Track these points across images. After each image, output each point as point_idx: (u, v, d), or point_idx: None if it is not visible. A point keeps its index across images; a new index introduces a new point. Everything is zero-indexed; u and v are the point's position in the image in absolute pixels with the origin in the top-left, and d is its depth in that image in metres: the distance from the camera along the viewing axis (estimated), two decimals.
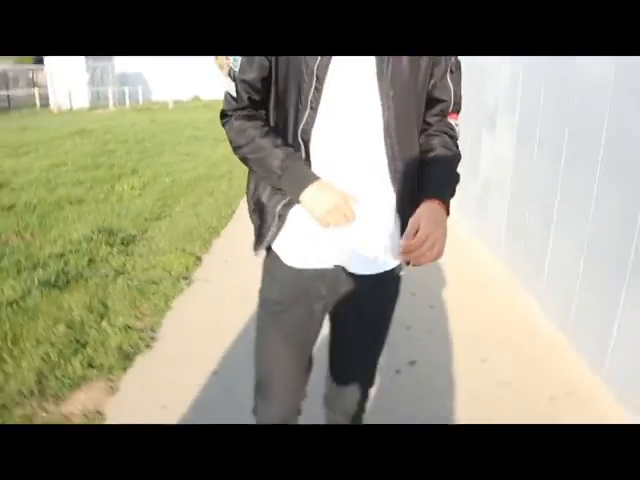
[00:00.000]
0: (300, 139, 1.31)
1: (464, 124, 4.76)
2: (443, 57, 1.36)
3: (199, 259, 4.34)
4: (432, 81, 1.37)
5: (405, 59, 1.28)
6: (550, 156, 3.32)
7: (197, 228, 5.10)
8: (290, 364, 1.50)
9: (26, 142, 11.01)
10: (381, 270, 1.42)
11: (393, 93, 1.28)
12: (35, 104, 24.51)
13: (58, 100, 24.04)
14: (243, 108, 1.38)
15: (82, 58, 24.71)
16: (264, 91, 1.36)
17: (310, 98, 1.28)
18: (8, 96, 24.61)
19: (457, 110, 1.43)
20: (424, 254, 1.24)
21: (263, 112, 1.39)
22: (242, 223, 5.15)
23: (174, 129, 13.72)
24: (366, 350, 1.56)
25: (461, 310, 3.42)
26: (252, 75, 1.34)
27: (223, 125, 1.42)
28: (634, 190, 2.39)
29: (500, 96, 4.28)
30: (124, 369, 2.77)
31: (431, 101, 1.39)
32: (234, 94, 1.37)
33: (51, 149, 10.20)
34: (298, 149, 1.32)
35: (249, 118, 1.37)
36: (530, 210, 3.63)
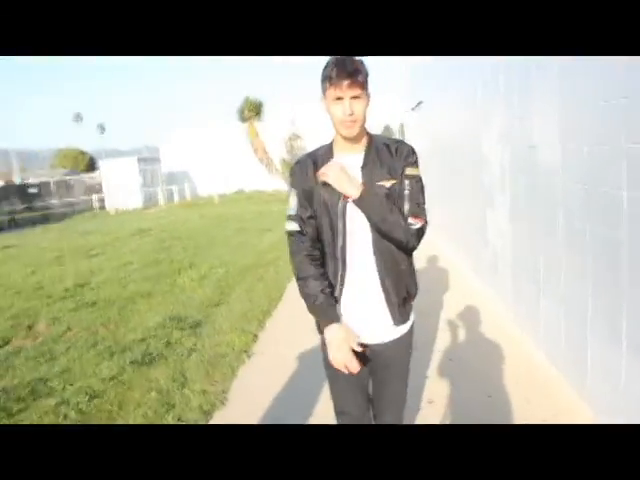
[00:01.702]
0: (339, 256, 2.01)
1: (472, 201, 5.69)
2: (404, 183, 1.97)
3: (256, 336, 5.19)
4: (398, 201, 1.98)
5: (380, 195, 1.93)
6: (531, 226, 4.13)
7: (252, 310, 5.98)
8: (351, 394, 2.18)
9: (93, 245, 12.34)
10: (390, 339, 2.10)
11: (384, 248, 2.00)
12: (93, 207, 26.61)
13: (114, 202, 26.02)
14: (305, 242, 2.03)
15: (135, 163, 26.92)
16: (314, 225, 2.04)
17: (340, 229, 1.98)
18: (70, 202, 26.86)
19: (415, 215, 1.96)
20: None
21: (316, 247, 2.04)
22: (289, 305, 6.04)
23: (222, 223, 14.94)
24: (397, 387, 2.21)
25: (478, 359, 4.14)
26: (306, 214, 2.03)
27: (291, 257, 2.07)
28: (584, 254, 3.17)
29: (493, 182, 5.15)
30: (206, 421, 3.58)
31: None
32: (297, 228, 2.04)
33: (116, 250, 11.45)
34: (339, 261, 2.01)
35: (309, 257, 2.02)
36: (526, 272, 4.40)
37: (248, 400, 3.83)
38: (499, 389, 3.66)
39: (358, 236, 1.99)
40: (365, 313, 2.08)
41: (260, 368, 4.44)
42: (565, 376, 3.62)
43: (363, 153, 2.02)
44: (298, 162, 2.12)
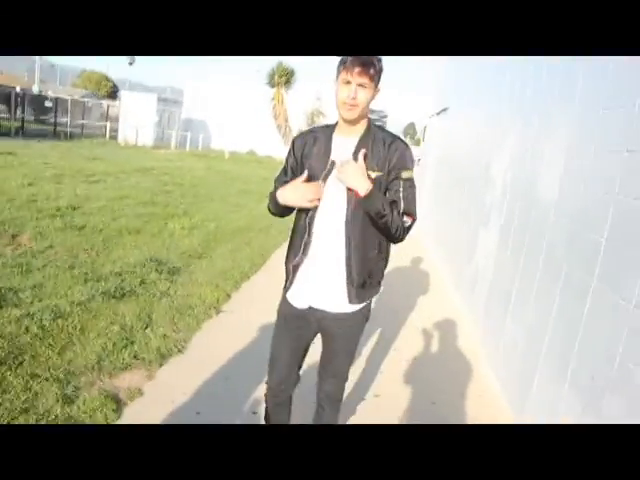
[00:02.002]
0: (307, 222, 2.20)
1: (466, 222, 5.76)
2: (399, 184, 2.14)
3: (229, 295, 5.26)
4: (389, 191, 2.15)
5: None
6: (514, 254, 4.19)
7: (231, 270, 6.05)
8: (287, 353, 2.40)
9: (96, 171, 12.35)
10: (341, 310, 2.26)
11: (355, 200, 2.11)
12: (105, 135, 26.52)
13: (126, 135, 25.94)
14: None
15: (154, 101, 26.78)
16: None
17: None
18: (82, 124, 26.75)
19: (408, 214, 2.14)
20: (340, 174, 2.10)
21: None
22: (270, 273, 6.11)
23: (226, 180, 14.96)
24: (340, 360, 2.42)
25: (436, 367, 4.23)
26: (284, 179, 2.30)
27: (268, 205, 2.37)
28: (555, 288, 3.24)
29: (494, 202, 5.20)
30: (160, 364, 3.67)
31: (393, 202, 2.15)
32: (273, 189, 2.31)
33: (117, 181, 11.48)
34: (305, 228, 2.20)
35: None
36: (499, 293, 4.48)
37: (206, 354, 3.93)
38: (444, 398, 3.75)
39: (331, 212, 2.15)
40: (322, 284, 2.24)
41: (225, 326, 4.52)
42: (508, 400, 3.72)
43: (364, 136, 2.17)
44: (301, 133, 2.35)
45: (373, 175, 2.10)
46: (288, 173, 2.30)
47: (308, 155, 2.23)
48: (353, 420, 3.27)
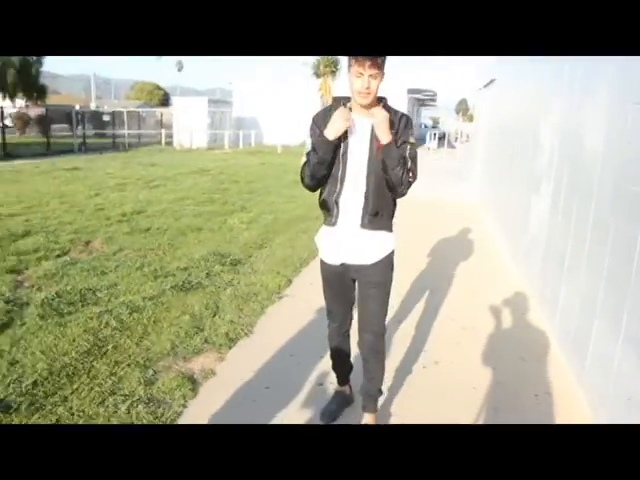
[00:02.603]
0: (339, 178, 2.62)
1: (519, 191, 5.76)
2: (406, 144, 2.57)
3: (290, 281, 5.49)
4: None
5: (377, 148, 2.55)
6: (565, 217, 4.21)
7: (291, 257, 6.28)
8: (337, 303, 2.94)
9: (156, 177, 12.91)
10: (375, 260, 2.70)
11: (374, 172, 2.58)
12: (161, 142, 27.42)
13: (181, 139, 26.72)
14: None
15: (205, 103, 27.43)
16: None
17: (341, 157, 2.60)
18: (139, 134, 27.75)
19: (412, 171, 2.58)
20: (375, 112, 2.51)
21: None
22: None
23: (280, 173, 15.25)
24: (374, 309, 2.80)
25: (492, 332, 4.31)
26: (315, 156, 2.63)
27: (300, 174, 2.72)
28: (608, 244, 3.27)
29: (544, 168, 5.18)
30: (229, 347, 3.92)
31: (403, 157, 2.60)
32: (305, 159, 2.67)
33: (176, 184, 11.96)
34: (336, 183, 2.62)
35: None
36: (554, 258, 4.49)
37: (271, 335, 4.15)
38: (502, 362, 3.83)
39: (352, 162, 2.58)
40: (350, 237, 2.66)
41: (288, 309, 4.74)
42: (568, 359, 3.77)
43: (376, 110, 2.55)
44: (321, 113, 2.69)
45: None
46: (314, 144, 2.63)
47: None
48: (415, 386, 3.42)
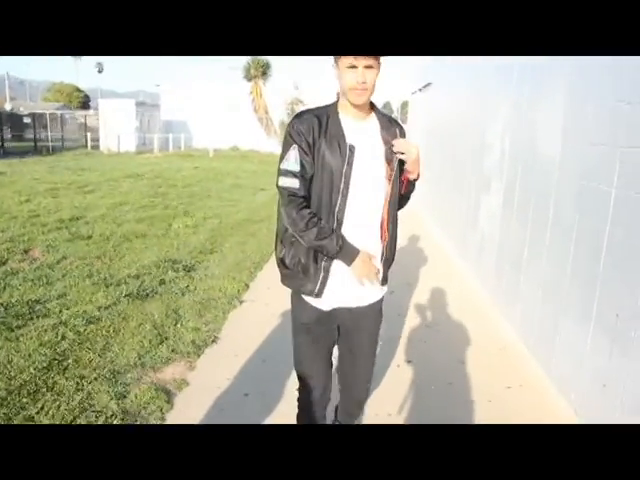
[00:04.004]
0: (336, 217, 2.01)
1: (465, 191, 5.91)
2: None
3: (247, 285, 5.40)
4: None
5: (395, 161, 2.06)
6: (521, 215, 4.36)
7: (244, 261, 6.18)
8: (320, 365, 2.24)
9: (88, 182, 12.39)
10: (371, 302, 2.20)
11: (393, 180, 2.07)
12: (86, 145, 26.39)
13: (108, 143, 25.81)
14: (302, 198, 2.00)
15: (133, 105, 26.66)
16: (309, 185, 2.03)
17: (341, 190, 1.99)
18: (62, 137, 26.59)
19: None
20: (405, 147, 2.03)
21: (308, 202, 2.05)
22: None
23: (217, 176, 15.03)
24: (368, 358, 2.30)
25: (455, 329, 4.40)
26: (308, 174, 2.00)
27: (286, 209, 2.02)
28: (567, 240, 3.41)
29: (494, 166, 5.35)
30: (198, 355, 3.80)
31: None
32: (297, 186, 1.99)
33: (111, 189, 11.53)
34: (332, 224, 2.01)
35: (307, 210, 2.00)
36: (509, 256, 4.64)
37: (238, 340, 4.07)
38: (470, 357, 3.92)
39: (359, 198, 2.02)
40: (354, 279, 2.13)
41: (250, 314, 4.66)
42: (533, 353, 3.90)
43: (374, 118, 2.11)
44: (299, 116, 2.06)
45: (400, 156, 2.09)
46: (309, 164, 2.00)
47: (318, 140, 1.99)
48: (384, 387, 3.43)
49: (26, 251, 6.29)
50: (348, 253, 2.03)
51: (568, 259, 3.41)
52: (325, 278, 2.08)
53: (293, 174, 1.99)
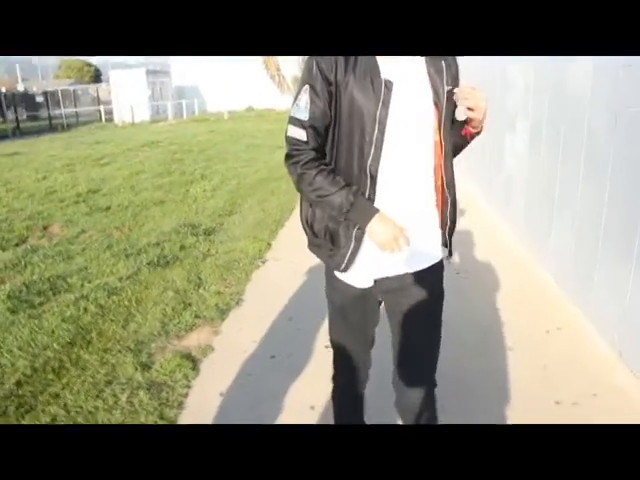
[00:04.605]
0: (368, 172, 1.59)
1: (489, 129, 5.63)
2: None
3: (269, 244, 5.27)
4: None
5: (446, 100, 1.60)
6: (550, 152, 4.09)
7: (264, 220, 6.05)
8: (355, 348, 1.89)
9: (104, 154, 12.29)
10: (425, 266, 1.71)
11: (444, 126, 1.62)
12: (100, 119, 26.28)
13: (122, 114, 25.67)
14: (310, 151, 1.62)
15: (143, 74, 26.35)
16: (326, 136, 1.64)
17: (375, 139, 1.55)
18: (76, 113, 26.51)
19: None
20: (474, 99, 1.59)
21: (324, 155, 1.66)
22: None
23: (232, 138, 14.81)
24: (424, 342, 1.80)
25: (487, 275, 4.21)
26: (320, 122, 1.60)
27: (290, 165, 1.66)
28: (606, 179, 3.16)
29: (517, 104, 5.04)
30: (222, 319, 3.69)
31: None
32: (304, 138, 1.61)
33: (127, 159, 11.42)
34: (365, 181, 1.59)
35: (315, 162, 1.62)
36: (539, 196, 4.39)
37: (263, 301, 3.95)
38: (505, 301, 3.75)
39: (400, 149, 1.60)
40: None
41: (274, 273, 4.53)
42: (570, 294, 3.70)
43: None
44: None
45: (448, 89, 1.63)
46: (322, 109, 1.59)
47: (344, 76, 1.56)
48: None
49: (45, 227, 6.23)
50: (361, 211, 1.60)
51: (605, 192, 3.17)
52: (356, 249, 1.66)
53: (301, 123, 1.61)
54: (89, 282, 4.39)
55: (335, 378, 2.01)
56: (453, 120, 1.72)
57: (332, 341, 1.94)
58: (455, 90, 1.59)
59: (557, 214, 4.00)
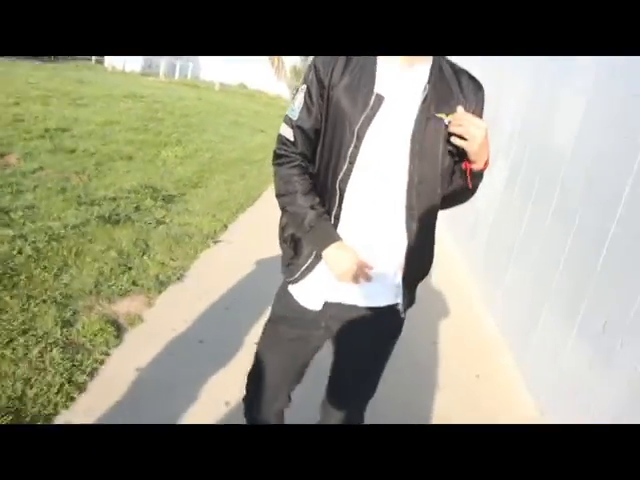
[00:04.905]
0: (337, 187, 1.49)
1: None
2: None
3: (225, 226, 5.16)
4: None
5: (436, 130, 1.45)
6: (522, 199, 4.11)
7: (227, 201, 5.92)
8: (277, 370, 1.72)
9: (84, 95, 11.90)
10: (382, 304, 1.60)
11: (421, 156, 1.45)
12: (90, 58, 25.53)
13: (113, 60, 24.98)
14: (295, 155, 1.55)
15: None
16: (315, 141, 1.54)
17: (350, 153, 1.45)
18: None
19: None
20: (470, 127, 1.41)
21: (309, 164, 1.57)
22: (264, 206, 5.98)
23: (218, 111, 14.55)
24: (360, 381, 1.71)
25: (434, 308, 4.21)
26: (308, 124, 1.52)
27: (274, 165, 1.59)
28: (569, 229, 3.17)
29: (502, 143, 5.06)
30: (159, 292, 3.58)
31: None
32: (291, 138, 1.54)
33: (106, 106, 11.08)
34: (335, 197, 1.50)
35: (298, 169, 1.55)
36: (501, 241, 4.41)
37: (205, 283, 3.85)
38: (445, 339, 3.74)
39: (373, 170, 1.48)
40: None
41: (224, 256, 4.44)
42: (509, 344, 3.71)
43: (427, 66, 1.47)
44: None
45: (446, 120, 1.45)
46: (313, 111, 1.52)
47: (338, 82, 1.47)
48: None
49: (2, 155, 5.96)
50: (319, 237, 1.52)
51: (563, 252, 3.18)
52: (313, 265, 1.57)
53: (291, 122, 1.54)
54: (32, 222, 4.21)
55: (244, 398, 1.83)
56: (457, 161, 1.54)
57: (256, 353, 1.76)
58: (447, 117, 1.44)
59: (514, 263, 4.02)
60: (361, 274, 1.50)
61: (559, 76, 3.94)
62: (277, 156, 1.58)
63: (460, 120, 1.42)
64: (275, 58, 25.50)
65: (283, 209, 1.58)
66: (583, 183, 3.15)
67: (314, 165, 1.57)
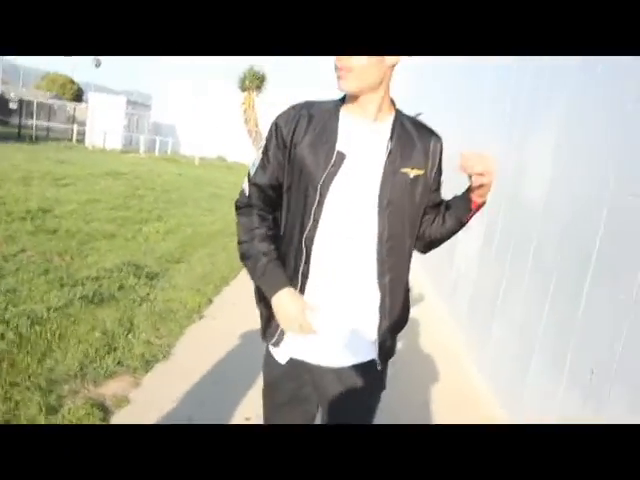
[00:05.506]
0: (304, 245, 1.52)
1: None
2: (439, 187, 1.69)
3: (210, 300, 5.16)
4: (429, 203, 1.66)
5: (402, 184, 1.52)
6: (500, 256, 4.20)
7: (211, 274, 5.94)
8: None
9: (65, 175, 12.03)
10: (360, 361, 1.60)
11: (389, 211, 1.50)
12: (71, 138, 25.93)
13: (94, 139, 25.37)
14: (252, 206, 1.61)
15: (123, 104, 26.33)
16: (275, 196, 1.59)
17: (314, 210, 1.49)
18: (48, 127, 26.13)
19: None
20: (484, 163, 1.47)
21: (271, 215, 1.63)
22: (248, 277, 5.99)
23: (198, 184, 14.77)
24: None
25: (420, 367, 4.20)
26: (263, 181, 1.58)
27: (236, 215, 1.68)
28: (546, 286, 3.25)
29: None
30: (146, 371, 3.55)
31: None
32: (247, 193, 1.62)
33: (87, 185, 11.20)
34: (301, 254, 1.53)
35: (257, 217, 1.60)
36: (485, 295, 4.48)
37: (191, 360, 3.82)
38: (433, 394, 3.73)
39: (338, 226, 1.52)
40: (335, 326, 1.59)
41: (209, 332, 4.42)
42: (499, 398, 3.71)
43: (389, 123, 1.55)
44: (289, 111, 1.59)
45: (412, 175, 1.54)
46: (269, 169, 1.58)
47: (300, 141, 1.52)
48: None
49: None
50: (269, 283, 1.57)
51: (545, 304, 3.24)
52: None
53: (249, 179, 1.62)
54: (14, 306, 4.18)
55: None
56: (441, 204, 1.69)
57: (264, 419, 1.80)
58: (461, 155, 1.49)
59: (498, 318, 4.07)
60: (305, 326, 1.52)
61: (526, 132, 4.13)
62: (236, 207, 1.66)
63: (473, 161, 1.47)
64: (253, 129, 26.13)
65: (242, 256, 1.63)
66: (558, 235, 3.25)
67: (280, 222, 1.62)
